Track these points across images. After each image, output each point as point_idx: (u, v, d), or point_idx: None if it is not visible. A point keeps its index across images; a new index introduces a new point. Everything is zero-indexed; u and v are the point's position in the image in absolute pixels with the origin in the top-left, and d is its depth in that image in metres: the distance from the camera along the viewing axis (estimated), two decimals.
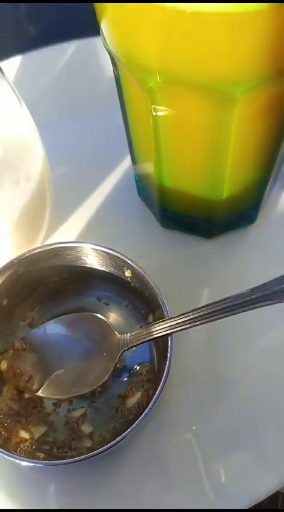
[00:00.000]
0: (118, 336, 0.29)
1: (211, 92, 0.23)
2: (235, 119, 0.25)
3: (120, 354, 0.28)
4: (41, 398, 0.30)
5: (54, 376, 0.30)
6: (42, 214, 0.32)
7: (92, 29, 0.28)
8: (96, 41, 0.43)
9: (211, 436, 0.29)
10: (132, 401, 0.30)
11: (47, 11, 0.52)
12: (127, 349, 0.28)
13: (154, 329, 0.26)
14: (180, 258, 0.36)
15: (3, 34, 0.50)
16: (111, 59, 0.28)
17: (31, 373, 0.30)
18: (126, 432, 0.24)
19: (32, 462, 0.25)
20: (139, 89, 0.26)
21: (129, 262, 0.29)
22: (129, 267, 0.29)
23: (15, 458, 0.24)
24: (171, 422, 0.30)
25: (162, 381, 0.25)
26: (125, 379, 0.31)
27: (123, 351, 0.28)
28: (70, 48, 0.44)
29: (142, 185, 0.38)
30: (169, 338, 0.26)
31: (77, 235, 0.37)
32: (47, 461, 0.26)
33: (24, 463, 0.24)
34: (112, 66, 0.28)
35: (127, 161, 0.40)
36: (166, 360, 0.26)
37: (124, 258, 0.29)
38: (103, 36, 0.26)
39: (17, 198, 0.28)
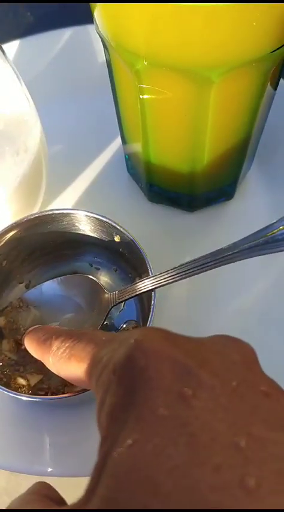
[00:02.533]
0: (107, 294, 0.32)
1: (191, 75, 0.27)
2: (212, 99, 0.28)
3: (109, 309, 0.32)
4: None
5: None
6: (38, 184, 0.35)
7: (86, 17, 0.31)
8: (90, 28, 0.46)
9: None
10: None
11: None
12: (115, 304, 0.31)
13: (139, 286, 0.30)
14: (165, 229, 0.39)
15: (4, 21, 0.53)
16: (102, 43, 0.31)
17: (27, 327, 0.34)
18: None
19: (31, 397, 0.28)
20: (127, 70, 0.29)
21: (119, 228, 0.32)
22: (119, 232, 0.32)
23: (16, 394, 0.28)
24: None
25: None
26: None
27: (112, 307, 0.32)
28: (66, 34, 0.47)
29: (131, 163, 0.41)
30: (152, 294, 0.30)
31: (71, 206, 0.41)
32: (44, 397, 0.29)
33: (24, 398, 0.28)
34: (104, 50, 0.31)
35: (118, 141, 0.43)
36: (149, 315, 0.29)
37: (115, 225, 0.32)
38: (96, 23, 0.29)
39: (16, 167, 0.32)
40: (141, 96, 0.30)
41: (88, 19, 0.30)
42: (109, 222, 0.32)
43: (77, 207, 0.40)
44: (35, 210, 0.37)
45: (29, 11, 0.54)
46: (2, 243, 0.33)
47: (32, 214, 0.33)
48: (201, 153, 0.33)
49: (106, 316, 0.32)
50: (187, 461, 0.14)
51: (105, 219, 0.33)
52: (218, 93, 0.28)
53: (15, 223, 0.32)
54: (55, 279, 0.35)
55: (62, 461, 0.31)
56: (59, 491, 0.21)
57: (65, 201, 0.41)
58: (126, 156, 0.41)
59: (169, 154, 0.35)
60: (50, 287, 0.34)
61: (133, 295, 0.30)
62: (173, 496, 0.13)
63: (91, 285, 0.34)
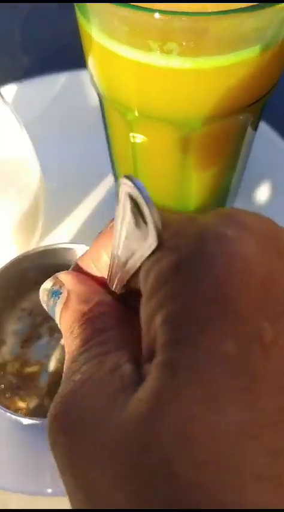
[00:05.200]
0: None
1: (176, 125, 0.30)
2: (197, 145, 0.31)
3: None
4: (37, 375, 0.36)
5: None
6: (37, 218, 0.38)
7: (81, 62, 0.34)
8: (84, 73, 0.49)
9: None
10: None
11: (39, 44, 0.59)
12: None
13: None
14: None
15: (1, 64, 0.57)
16: (97, 94, 0.34)
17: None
18: None
19: (32, 419, 0.30)
20: (120, 119, 0.32)
21: None
22: None
23: (16, 415, 0.30)
24: None
25: None
26: None
27: None
28: (62, 78, 0.50)
29: None
30: None
31: (66, 239, 0.43)
32: (44, 419, 0.32)
33: (24, 421, 0.30)
34: (99, 100, 0.35)
35: (110, 178, 0.46)
36: None
37: None
38: (91, 77, 0.32)
39: (19, 204, 0.35)
40: (132, 141, 0.33)
41: (83, 64, 0.33)
42: None
43: (72, 240, 0.43)
44: (33, 242, 0.40)
45: (27, 55, 0.58)
46: (10, 273, 0.35)
47: (37, 248, 0.35)
48: (187, 192, 0.36)
49: None
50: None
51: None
52: (202, 141, 0.31)
53: (21, 255, 0.35)
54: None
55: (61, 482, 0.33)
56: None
57: (60, 235, 0.44)
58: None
59: (158, 191, 0.38)
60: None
61: None
62: None
63: None
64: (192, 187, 0.36)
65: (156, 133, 0.32)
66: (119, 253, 0.16)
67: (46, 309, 0.20)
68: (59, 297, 0.19)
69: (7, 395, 0.34)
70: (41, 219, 0.40)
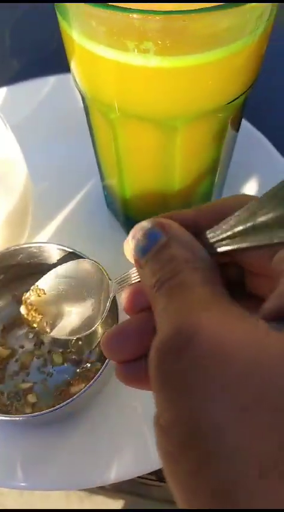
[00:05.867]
0: (109, 281, 0.30)
1: (158, 124, 0.31)
2: (178, 143, 0.32)
3: (109, 299, 0.30)
4: (6, 360, 0.37)
5: (60, 318, 0.32)
6: (25, 218, 0.39)
7: (68, 66, 0.35)
8: (71, 76, 0.50)
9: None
10: (75, 389, 0.36)
11: (28, 48, 0.60)
12: (118, 291, 0.28)
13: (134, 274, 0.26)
14: None
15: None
16: (80, 94, 0.35)
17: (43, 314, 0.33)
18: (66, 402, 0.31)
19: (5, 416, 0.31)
20: (102, 119, 0.33)
21: (79, 254, 0.36)
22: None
23: None
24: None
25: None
26: (77, 370, 0.37)
27: (113, 295, 0.29)
28: (50, 82, 0.51)
29: (110, 199, 0.44)
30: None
31: (54, 239, 0.44)
32: (14, 416, 0.32)
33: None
34: (82, 100, 0.35)
35: (97, 179, 0.47)
36: None
37: (76, 252, 0.36)
38: (74, 78, 0.33)
39: (7, 204, 0.35)
40: (115, 140, 0.34)
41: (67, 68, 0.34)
42: (70, 250, 0.36)
43: (59, 240, 0.43)
44: (23, 240, 0.41)
45: (26, 56, 0.58)
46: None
47: (33, 243, 0.37)
48: (172, 189, 0.36)
49: (109, 305, 0.30)
50: None
51: (67, 249, 0.36)
52: (183, 138, 0.32)
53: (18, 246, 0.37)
54: (64, 265, 0.33)
55: (34, 475, 0.33)
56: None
57: (48, 234, 0.44)
58: (105, 192, 0.45)
59: (143, 189, 0.38)
60: (62, 272, 0.33)
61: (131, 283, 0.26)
62: None
63: (95, 271, 0.32)
64: (175, 185, 0.36)
65: (137, 132, 0.32)
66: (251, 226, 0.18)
67: (132, 246, 0.20)
68: (156, 240, 0.19)
69: None
70: (29, 218, 0.40)
